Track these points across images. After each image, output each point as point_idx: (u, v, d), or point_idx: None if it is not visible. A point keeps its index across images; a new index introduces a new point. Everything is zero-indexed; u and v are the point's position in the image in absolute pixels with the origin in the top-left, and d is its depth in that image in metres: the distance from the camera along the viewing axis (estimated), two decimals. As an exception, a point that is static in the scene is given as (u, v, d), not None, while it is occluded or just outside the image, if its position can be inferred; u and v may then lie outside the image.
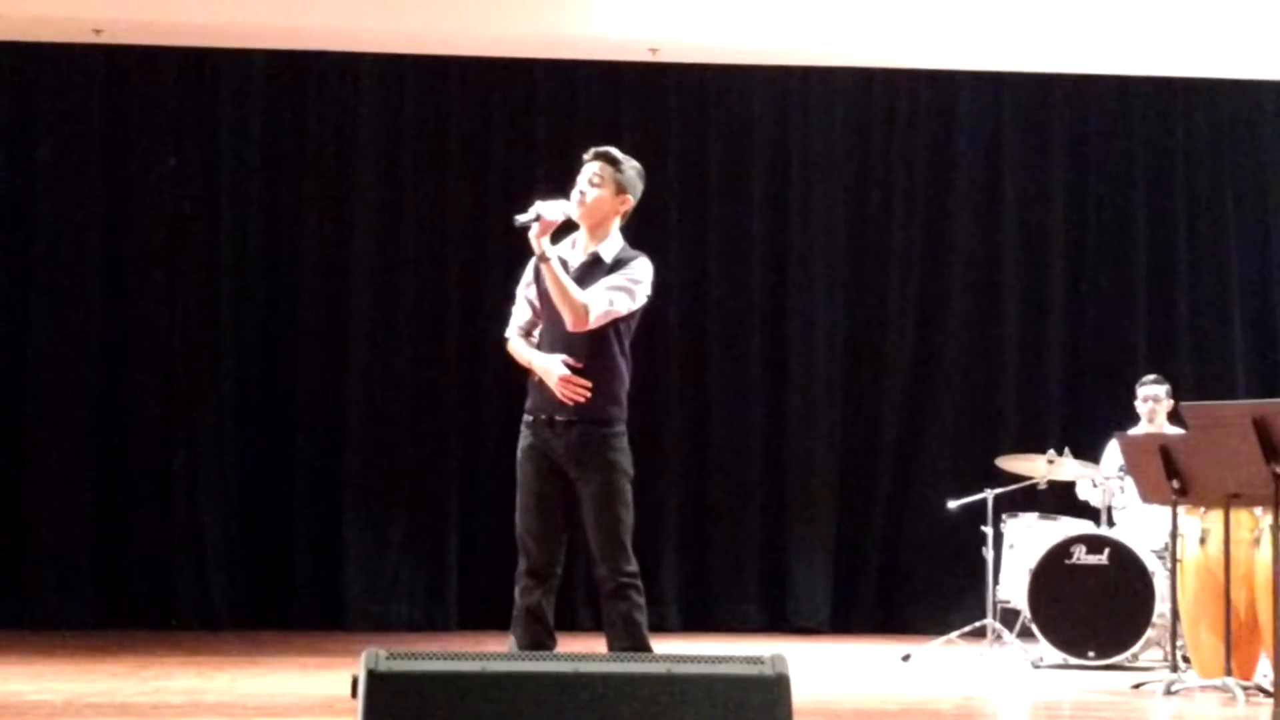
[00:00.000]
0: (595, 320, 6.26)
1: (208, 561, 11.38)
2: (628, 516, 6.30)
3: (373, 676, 3.90)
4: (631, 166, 6.50)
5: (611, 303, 6.30)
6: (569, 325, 6.24)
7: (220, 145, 11.69)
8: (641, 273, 6.41)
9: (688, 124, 12.00)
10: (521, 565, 6.28)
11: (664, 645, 10.53)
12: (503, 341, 6.52)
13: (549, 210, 6.26)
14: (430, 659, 3.98)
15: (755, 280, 11.96)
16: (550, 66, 11.81)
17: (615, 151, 6.48)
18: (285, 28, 11.08)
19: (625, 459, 6.34)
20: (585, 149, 6.54)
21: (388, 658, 3.93)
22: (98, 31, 11.11)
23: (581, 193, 6.38)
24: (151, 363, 11.60)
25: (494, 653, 4.10)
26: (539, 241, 6.23)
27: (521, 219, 6.20)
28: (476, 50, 11.57)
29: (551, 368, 6.28)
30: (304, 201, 11.75)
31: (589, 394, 6.26)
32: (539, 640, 6.22)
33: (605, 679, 4.01)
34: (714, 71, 11.86)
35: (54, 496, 11.34)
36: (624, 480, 6.31)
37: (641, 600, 6.30)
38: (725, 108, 12.01)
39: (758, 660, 4.12)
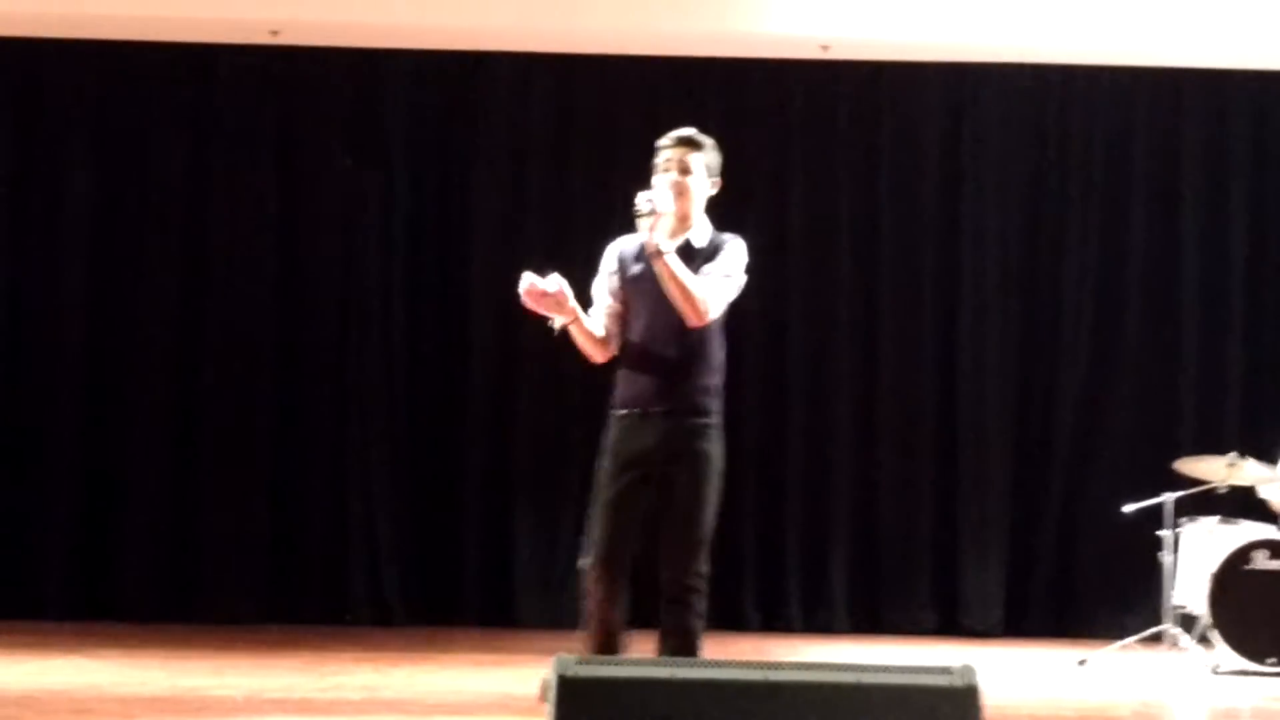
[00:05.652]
0: (715, 314, 6.13)
1: (380, 556, 11.49)
2: (710, 517, 6.17)
3: (564, 682, 3.92)
4: (713, 146, 6.36)
5: (724, 293, 6.18)
6: (690, 321, 6.09)
7: (392, 145, 11.79)
8: (740, 256, 6.28)
9: (859, 121, 11.90)
10: (588, 562, 6.22)
11: (834, 649, 10.61)
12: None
13: (661, 202, 6.13)
14: (620, 664, 4.01)
15: (926, 277, 11.83)
16: (719, 65, 11.75)
17: (698, 134, 6.36)
18: (457, 28, 11.14)
19: (718, 451, 6.21)
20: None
21: (578, 663, 3.94)
22: (274, 33, 11.24)
23: (677, 183, 6.23)
24: (324, 359, 11.73)
25: (683, 659, 4.10)
26: (652, 235, 6.08)
27: (641, 210, 6.07)
28: (646, 49, 11.55)
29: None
30: (476, 201, 11.80)
31: (685, 385, 6.13)
32: (607, 645, 6.11)
33: (794, 687, 4.00)
34: (886, 69, 11.76)
35: (228, 493, 11.49)
36: (713, 476, 6.18)
37: (703, 606, 6.16)
38: (897, 105, 11.90)
39: (946, 670, 4.08)
